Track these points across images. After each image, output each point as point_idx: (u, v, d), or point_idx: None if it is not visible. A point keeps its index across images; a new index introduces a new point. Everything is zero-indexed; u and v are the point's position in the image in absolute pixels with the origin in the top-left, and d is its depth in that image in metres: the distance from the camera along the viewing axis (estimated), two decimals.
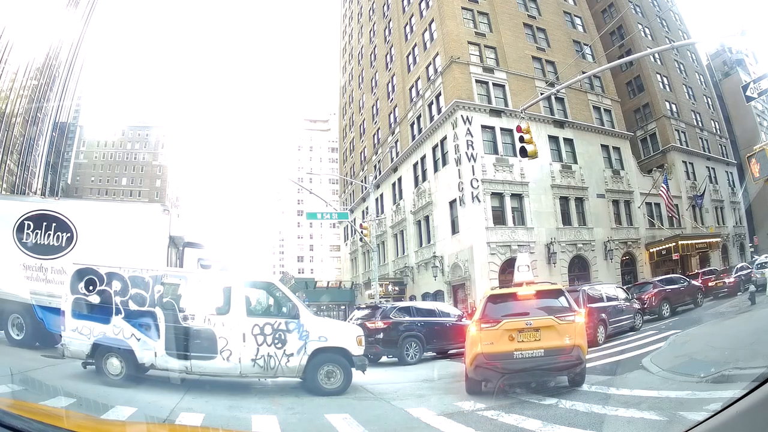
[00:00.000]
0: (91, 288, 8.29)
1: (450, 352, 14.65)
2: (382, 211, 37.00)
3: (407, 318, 13.81)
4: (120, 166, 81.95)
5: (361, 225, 30.15)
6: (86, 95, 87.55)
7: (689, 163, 36.97)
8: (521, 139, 14.17)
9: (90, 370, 8.23)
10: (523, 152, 14.13)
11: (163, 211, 12.29)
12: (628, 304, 15.61)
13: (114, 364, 8.00)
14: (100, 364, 8.00)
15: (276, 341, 8.15)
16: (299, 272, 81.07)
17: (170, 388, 7.70)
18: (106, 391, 7.25)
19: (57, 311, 10.36)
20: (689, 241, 30.23)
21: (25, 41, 43.61)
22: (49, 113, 51.56)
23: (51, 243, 11.03)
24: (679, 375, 7.18)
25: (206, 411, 6.67)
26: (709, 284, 20.96)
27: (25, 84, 44.94)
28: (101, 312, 8.16)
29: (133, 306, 8.17)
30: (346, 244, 50.36)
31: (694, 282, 20.03)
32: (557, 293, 8.10)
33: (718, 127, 42.43)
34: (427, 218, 30.25)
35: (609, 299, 14.84)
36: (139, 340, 8.02)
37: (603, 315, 13.77)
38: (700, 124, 40.36)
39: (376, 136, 41.13)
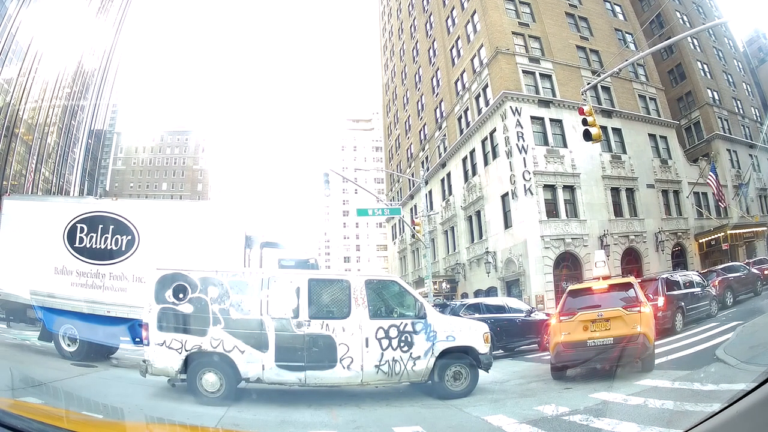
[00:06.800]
0: (181, 296, 7.42)
1: (520, 348, 14.24)
2: (431, 208, 36.46)
3: (477, 315, 13.32)
4: (159, 171, 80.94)
5: (413, 221, 29.69)
6: (122, 102, 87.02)
7: (733, 151, 36.20)
8: (584, 122, 13.60)
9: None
10: (587, 135, 13.54)
11: (237, 208, 11.74)
12: (704, 291, 15.14)
13: (210, 380, 7.17)
14: (194, 381, 7.17)
15: (402, 344, 7.59)
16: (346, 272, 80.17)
17: (213, 401, 6.95)
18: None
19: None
20: (738, 231, 29.52)
21: (56, 51, 43.79)
22: (84, 121, 51.71)
23: (109, 247, 10.23)
24: (761, 366, 6.68)
25: (254, 427, 6.13)
26: (765, 273, 20.42)
27: (58, 93, 45.10)
28: (195, 323, 7.35)
29: (235, 314, 7.38)
30: (394, 243, 49.47)
31: (753, 270, 19.60)
32: (627, 286, 8.91)
33: (758, 114, 41.60)
34: (478, 213, 29.78)
35: (686, 286, 14.41)
36: (243, 352, 7.21)
37: (681, 303, 13.36)
38: (741, 111, 39.58)
39: (422, 132, 40.63)
